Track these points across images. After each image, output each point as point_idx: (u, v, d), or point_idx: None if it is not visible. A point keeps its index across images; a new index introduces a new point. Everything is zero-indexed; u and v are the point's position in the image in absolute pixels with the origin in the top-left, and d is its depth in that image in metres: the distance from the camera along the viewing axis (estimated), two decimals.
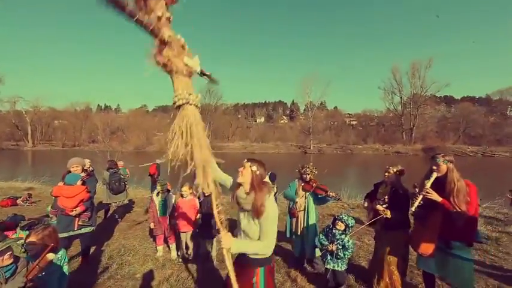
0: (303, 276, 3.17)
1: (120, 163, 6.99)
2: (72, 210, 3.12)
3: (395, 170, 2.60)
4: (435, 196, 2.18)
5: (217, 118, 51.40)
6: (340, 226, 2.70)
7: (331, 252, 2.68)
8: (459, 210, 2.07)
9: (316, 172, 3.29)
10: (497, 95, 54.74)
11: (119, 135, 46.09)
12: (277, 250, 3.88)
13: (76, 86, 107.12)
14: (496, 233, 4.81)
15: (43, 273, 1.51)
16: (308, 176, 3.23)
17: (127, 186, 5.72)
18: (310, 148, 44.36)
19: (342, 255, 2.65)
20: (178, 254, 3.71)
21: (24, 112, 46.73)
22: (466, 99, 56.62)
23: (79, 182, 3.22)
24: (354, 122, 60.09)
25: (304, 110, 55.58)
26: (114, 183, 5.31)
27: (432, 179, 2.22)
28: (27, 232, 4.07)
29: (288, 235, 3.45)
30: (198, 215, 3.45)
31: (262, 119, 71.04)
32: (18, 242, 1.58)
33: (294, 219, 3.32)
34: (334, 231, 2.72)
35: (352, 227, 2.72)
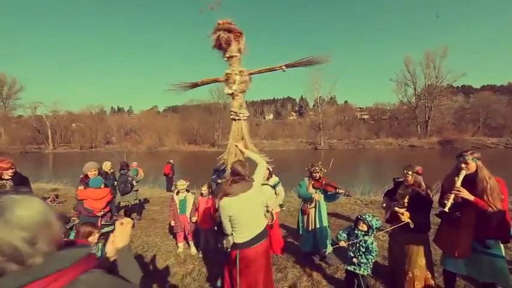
0: (318, 272, 3.26)
1: (134, 164, 7.26)
2: (100, 211, 3.37)
3: (412, 173, 2.51)
4: (467, 195, 2.10)
5: (226, 116, 51.72)
6: (363, 227, 2.50)
7: (352, 253, 2.53)
8: (495, 209, 2.03)
9: (325, 170, 3.35)
10: None
11: (132, 136, 47.60)
12: (290, 246, 4.01)
13: (91, 89, 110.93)
14: None
15: None
16: (317, 174, 3.30)
17: (134, 187, 5.75)
18: (320, 144, 43.87)
19: (365, 260, 2.44)
20: (199, 249, 3.90)
21: (44, 116, 49.10)
22: (486, 88, 53.92)
23: (103, 185, 3.50)
24: (366, 116, 58.72)
25: (313, 105, 54.90)
26: (120, 185, 5.45)
27: (461, 177, 2.16)
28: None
29: (300, 232, 3.55)
30: (216, 213, 3.61)
31: (271, 116, 70.91)
32: None
33: (306, 216, 3.41)
34: (356, 231, 2.54)
35: (376, 228, 2.50)
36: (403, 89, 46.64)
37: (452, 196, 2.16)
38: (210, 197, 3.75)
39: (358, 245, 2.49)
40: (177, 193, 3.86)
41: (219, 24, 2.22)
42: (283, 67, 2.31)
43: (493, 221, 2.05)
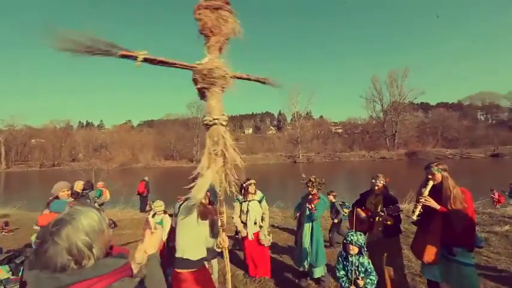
0: None
1: (100, 184, 6.64)
2: None
3: (382, 181, 2.78)
4: (433, 204, 2.26)
5: (205, 131, 50.98)
6: (354, 250, 2.27)
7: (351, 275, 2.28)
8: (457, 216, 2.16)
9: (322, 181, 3.30)
10: (467, 100, 59.33)
11: (103, 152, 44.32)
12: (278, 267, 3.81)
13: (55, 103, 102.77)
14: (485, 233, 5.02)
15: None
16: (313, 190, 3.23)
17: None
18: (299, 157, 44.91)
19: (369, 285, 2.20)
20: None
21: None
22: (441, 105, 60.49)
23: (67, 209, 3.03)
24: (340, 130, 61.94)
25: (291, 120, 56.69)
26: None
27: (429, 187, 2.32)
28: (7, 266, 3.74)
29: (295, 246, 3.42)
30: None
31: (251, 131, 71.52)
32: None
33: (299, 232, 3.29)
34: (350, 259, 2.29)
35: (365, 244, 2.32)
36: (371, 105, 50.71)
37: (419, 205, 2.30)
38: None
39: (358, 272, 2.26)
40: (153, 215, 3.52)
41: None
42: (253, 78, 2.09)
43: (457, 228, 2.17)
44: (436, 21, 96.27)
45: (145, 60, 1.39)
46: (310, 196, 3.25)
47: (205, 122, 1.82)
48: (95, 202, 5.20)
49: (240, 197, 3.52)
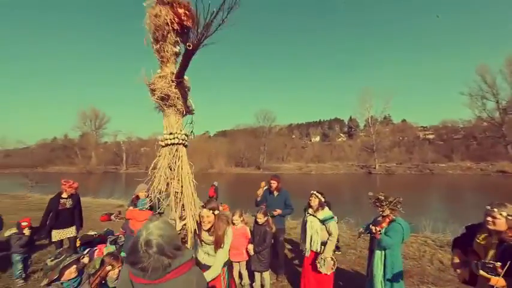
0: None
1: None
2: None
3: (506, 214, 1.69)
4: None
5: (271, 140, 52.46)
6: None
7: None
8: None
9: (399, 200, 2.71)
10: None
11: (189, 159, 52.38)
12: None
13: (156, 118, 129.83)
14: None
15: (103, 283, 1.91)
16: (384, 211, 2.69)
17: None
18: (375, 168, 39.41)
19: None
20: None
21: (121, 142, 59.31)
22: None
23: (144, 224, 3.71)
24: (431, 136, 50.80)
25: (364, 126, 50.82)
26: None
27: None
28: (114, 246, 4.87)
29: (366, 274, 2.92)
30: (250, 245, 3.35)
31: (318, 138, 68.43)
32: (83, 260, 1.97)
33: (371, 259, 2.81)
34: None
35: None
36: (479, 102, 39.07)
37: None
38: (243, 225, 3.53)
39: None
40: None
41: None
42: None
43: None
44: None
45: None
46: (380, 218, 2.72)
47: (163, 141, 1.77)
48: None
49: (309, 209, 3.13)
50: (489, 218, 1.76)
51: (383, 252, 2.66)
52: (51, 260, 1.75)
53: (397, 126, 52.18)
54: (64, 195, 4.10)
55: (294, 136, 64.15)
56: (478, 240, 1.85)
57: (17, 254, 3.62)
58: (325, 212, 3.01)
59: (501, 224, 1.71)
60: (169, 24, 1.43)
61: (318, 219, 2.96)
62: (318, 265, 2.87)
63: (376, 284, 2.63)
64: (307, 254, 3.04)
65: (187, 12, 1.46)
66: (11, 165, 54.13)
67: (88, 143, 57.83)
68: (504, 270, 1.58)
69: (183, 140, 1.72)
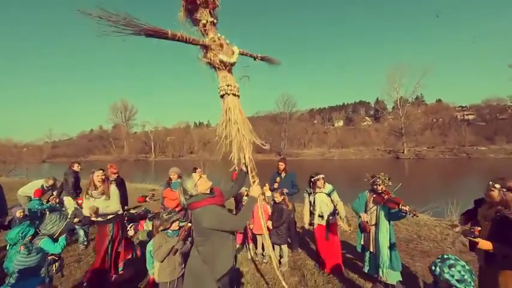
0: None
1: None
2: (174, 210, 4.07)
3: (500, 187, 1.94)
4: None
5: (292, 125, 51.81)
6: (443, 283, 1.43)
7: None
8: None
9: (390, 183, 2.87)
10: None
11: (209, 146, 54.36)
12: (348, 264, 3.60)
13: (180, 107, 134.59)
14: None
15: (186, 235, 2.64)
16: (379, 187, 2.87)
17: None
18: (403, 152, 37.36)
19: None
20: (256, 253, 4.06)
21: (149, 132, 63.11)
22: None
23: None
24: (471, 117, 46.19)
25: (393, 108, 47.61)
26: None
27: None
28: (152, 221, 5.59)
29: (358, 249, 3.16)
30: (269, 221, 3.69)
31: (341, 123, 65.82)
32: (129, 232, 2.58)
33: (366, 234, 3.01)
34: None
35: (470, 283, 1.36)
36: None
37: None
38: (264, 203, 3.87)
39: None
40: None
41: None
42: (258, 56, 2.10)
43: None
44: None
45: (167, 38, 1.55)
46: (383, 193, 2.86)
47: (225, 91, 1.98)
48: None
49: (309, 189, 3.61)
50: (486, 191, 2.02)
51: (389, 227, 2.86)
52: (166, 215, 2.59)
53: (431, 107, 47.98)
54: (111, 178, 4.78)
55: (315, 121, 62.53)
56: (482, 212, 2.09)
57: (79, 227, 4.41)
58: (328, 186, 3.51)
59: (494, 196, 1.96)
60: None
61: (325, 193, 3.44)
62: (341, 224, 3.38)
63: (383, 256, 2.81)
64: (314, 226, 3.52)
65: None
66: (58, 155, 61.11)
67: (120, 133, 62.53)
68: (478, 229, 1.86)
69: (237, 90, 2.01)
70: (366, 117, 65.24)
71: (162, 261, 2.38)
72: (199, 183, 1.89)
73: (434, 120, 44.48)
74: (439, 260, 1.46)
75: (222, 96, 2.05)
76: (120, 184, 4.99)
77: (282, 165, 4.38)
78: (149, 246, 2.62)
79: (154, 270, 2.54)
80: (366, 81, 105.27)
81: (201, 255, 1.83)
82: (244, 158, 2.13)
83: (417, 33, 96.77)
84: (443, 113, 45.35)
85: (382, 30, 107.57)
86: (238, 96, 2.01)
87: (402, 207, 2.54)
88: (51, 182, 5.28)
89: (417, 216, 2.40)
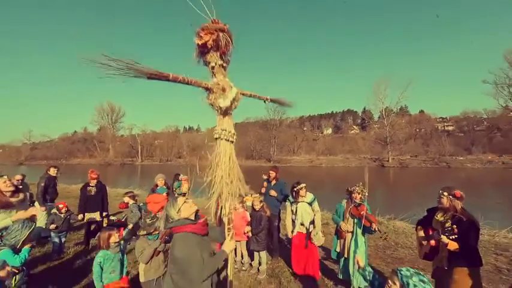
0: None
1: (184, 177, 7.99)
2: (156, 213, 4.03)
3: (448, 194, 2.22)
4: None
5: (282, 132, 52.37)
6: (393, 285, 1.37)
7: None
8: None
9: (367, 193, 3.02)
10: None
11: (198, 151, 53.78)
12: (325, 271, 3.69)
13: (169, 111, 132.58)
14: None
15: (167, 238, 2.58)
16: (358, 196, 3.01)
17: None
18: (388, 161, 38.59)
19: None
20: (235, 260, 4.05)
21: (136, 135, 61.60)
22: None
23: (165, 194, 4.20)
24: (451, 128, 48.61)
25: (378, 117, 49.36)
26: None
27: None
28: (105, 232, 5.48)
29: (333, 256, 3.26)
30: (248, 228, 3.73)
31: (330, 131, 67.35)
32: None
33: (342, 240, 3.12)
34: None
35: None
36: (504, 91, 36.66)
37: None
38: (243, 210, 3.91)
39: None
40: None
41: (214, 22, 1.67)
42: (268, 99, 2.15)
43: None
44: None
45: (169, 80, 1.57)
46: (359, 207, 3.00)
47: (220, 136, 1.89)
48: (174, 191, 6.34)
49: (291, 198, 3.67)
50: (438, 198, 2.27)
51: (363, 236, 3.03)
52: (150, 220, 2.64)
53: (414, 117, 50.20)
54: (91, 183, 4.69)
55: (305, 128, 63.54)
56: (436, 218, 2.28)
57: (55, 234, 4.23)
58: (309, 195, 3.57)
59: (444, 202, 2.22)
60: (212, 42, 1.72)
61: (307, 202, 3.49)
62: (314, 238, 3.36)
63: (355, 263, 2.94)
64: (295, 234, 3.54)
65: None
66: (37, 157, 58.20)
67: (106, 136, 60.60)
68: (455, 227, 2.01)
69: (231, 136, 1.92)
70: (354, 126, 67.17)
71: (147, 263, 2.55)
72: (182, 208, 1.81)
73: (417, 130, 46.47)
74: (408, 269, 1.37)
75: (216, 139, 2.00)
76: (100, 189, 4.88)
77: (272, 174, 4.41)
78: (98, 258, 2.51)
79: (139, 271, 2.66)
80: (354, 90, 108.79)
81: (174, 284, 1.68)
82: (224, 207, 1.93)
83: (406, 43, 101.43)
84: (425, 123, 47.56)
85: (371, 41, 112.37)
86: (232, 142, 1.92)
87: (374, 226, 2.70)
88: (19, 177, 5.02)
89: (387, 240, 2.55)
